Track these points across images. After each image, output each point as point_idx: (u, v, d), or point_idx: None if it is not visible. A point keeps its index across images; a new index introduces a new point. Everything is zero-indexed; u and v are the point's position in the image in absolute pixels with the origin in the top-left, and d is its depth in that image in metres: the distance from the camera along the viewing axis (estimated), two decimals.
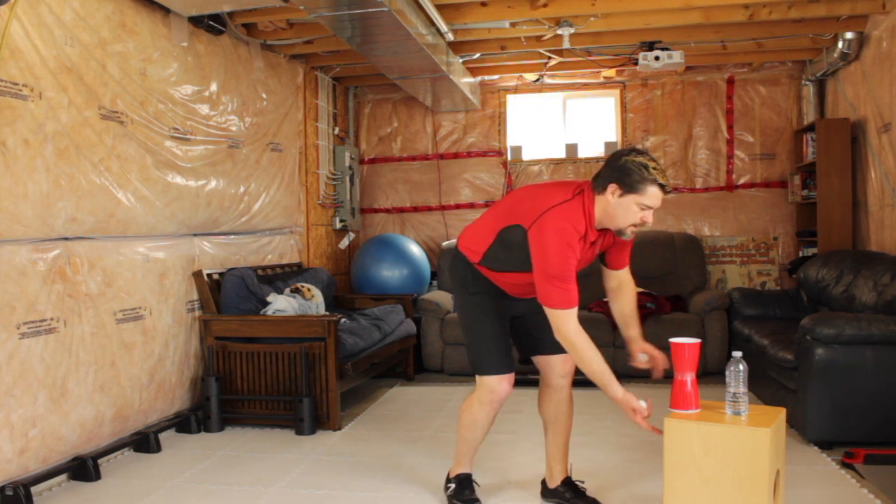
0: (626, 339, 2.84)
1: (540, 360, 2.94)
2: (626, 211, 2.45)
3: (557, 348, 2.74)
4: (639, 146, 6.42)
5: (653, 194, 2.42)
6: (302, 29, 4.82)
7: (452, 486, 2.95)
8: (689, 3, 4.38)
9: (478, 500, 2.93)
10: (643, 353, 2.77)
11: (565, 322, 2.49)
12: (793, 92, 6.17)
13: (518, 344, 2.97)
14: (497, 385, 2.78)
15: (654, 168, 2.42)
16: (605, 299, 5.60)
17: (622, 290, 2.86)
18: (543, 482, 3.03)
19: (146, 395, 3.81)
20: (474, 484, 2.97)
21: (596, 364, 2.52)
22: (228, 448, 3.76)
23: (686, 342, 2.40)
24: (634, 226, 2.49)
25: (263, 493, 3.09)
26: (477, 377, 2.81)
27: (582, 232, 2.48)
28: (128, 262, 3.72)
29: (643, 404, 2.51)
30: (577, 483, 2.98)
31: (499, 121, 6.65)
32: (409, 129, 6.80)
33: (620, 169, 2.44)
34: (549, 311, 2.51)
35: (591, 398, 4.65)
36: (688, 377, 2.45)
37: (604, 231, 2.58)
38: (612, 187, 2.44)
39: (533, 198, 2.58)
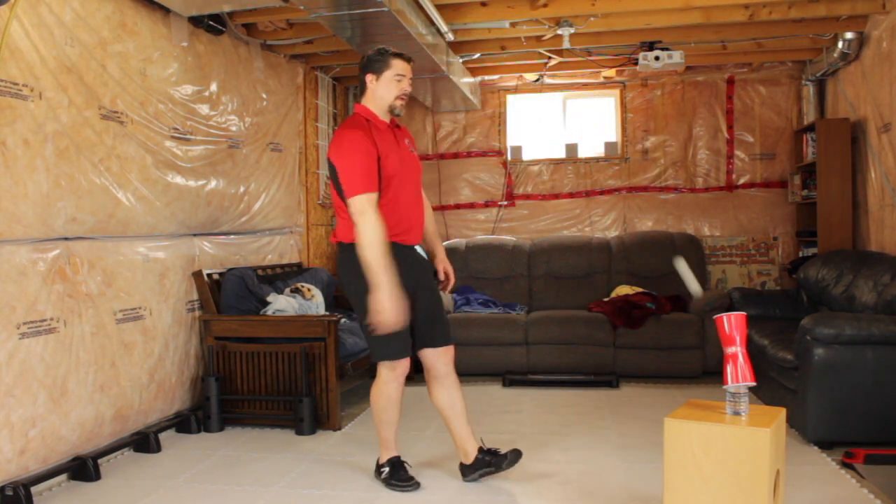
0: (431, 255, 3.24)
1: (426, 354, 3.11)
2: (387, 87, 2.94)
3: (441, 341, 3.08)
4: (639, 146, 6.43)
5: (398, 65, 2.93)
6: (302, 29, 4.82)
7: (386, 469, 3.14)
8: (689, 3, 4.38)
9: (413, 479, 3.11)
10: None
11: (366, 205, 2.77)
12: (793, 92, 6.17)
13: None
14: (398, 364, 3.02)
15: (388, 48, 2.97)
16: (605, 299, 5.66)
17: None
18: (461, 465, 3.18)
19: (146, 395, 3.81)
20: (406, 465, 3.16)
21: (374, 256, 2.74)
22: (228, 448, 3.76)
23: (727, 314, 2.42)
24: (400, 98, 2.97)
25: (263, 493, 3.09)
26: (379, 363, 3.03)
27: (363, 124, 2.90)
28: (128, 262, 3.72)
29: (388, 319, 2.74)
30: (489, 448, 3.15)
31: (499, 121, 6.66)
32: (409, 129, 6.74)
33: (366, 63, 2.96)
34: (351, 204, 2.79)
35: (590, 398, 4.66)
36: (737, 350, 2.40)
37: (399, 131, 3.06)
38: (368, 77, 2.95)
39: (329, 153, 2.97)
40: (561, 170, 6.57)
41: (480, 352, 5.33)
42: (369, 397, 3.15)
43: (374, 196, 2.81)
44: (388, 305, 2.74)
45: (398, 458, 3.17)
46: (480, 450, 3.14)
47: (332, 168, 2.90)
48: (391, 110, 2.99)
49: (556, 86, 6.52)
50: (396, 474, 3.12)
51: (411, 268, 3.00)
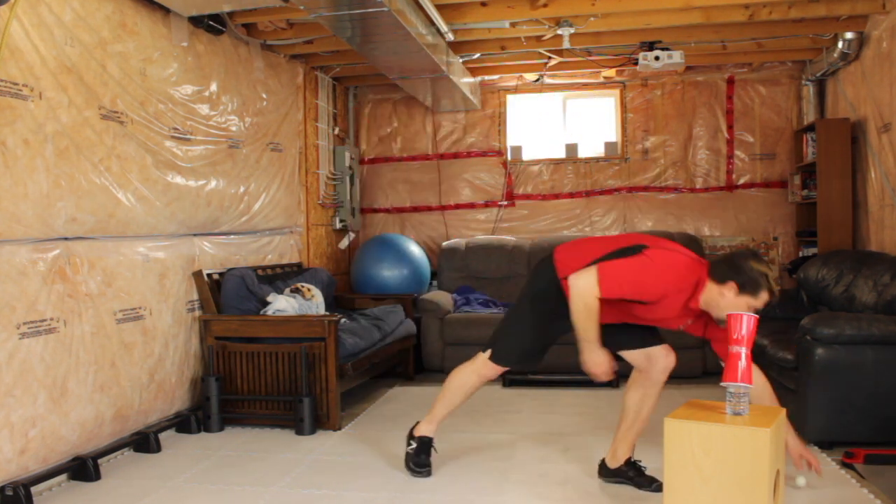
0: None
1: (639, 354, 3.09)
2: (736, 307, 2.60)
3: (655, 340, 3.03)
4: (639, 146, 6.43)
5: (763, 299, 2.62)
6: (302, 29, 4.82)
7: (414, 445, 3.20)
8: (690, 3, 4.38)
9: (429, 468, 3.19)
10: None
11: (586, 289, 2.70)
12: (793, 92, 6.17)
13: (608, 341, 2.98)
14: (493, 370, 3.06)
15: (772, 278, 2.64)
16: None
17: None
18: (602, 463, 3.17)
19: (146, 395, 3.81)
20: (433, 450, 3.23)
21: (585, 321, 2.78)
22: (228, 448, 3.76)
23: (744, 314, 2.44)
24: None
25: (263, 493, 3.09)
26: (485, 353, 3.06)
27: (683, 290, 2.70)
28: (128, 262, 3.72)
29: (606, 364, 2.84)
30: (638, 463, 3.10)
31: (499, 121, 6.66)
32: (409, 129, 6.80)
33: (744, 272, 2.61)
34: (593, 266, 2.69)
35: (590, 398, 4.66)
36: (742, 350, 2.41)
37: (701, 313, 2.77)
38: (731, 284, 2.62)
39: (664, 241, 2.86)
40: (561, 170, 6.57)
41: None
42: (453, 373, 3.17)
43: (597, 294, 2.69)
44: (593, 362, 2.89)
45: (431, 440, 3.23)
46: (627, 461, 3.11)
47: (637, 248, 2.75)
48: (716, 320, 2.71)
49: (556, 86, 6.52)
50: (418, 456, 3.20)
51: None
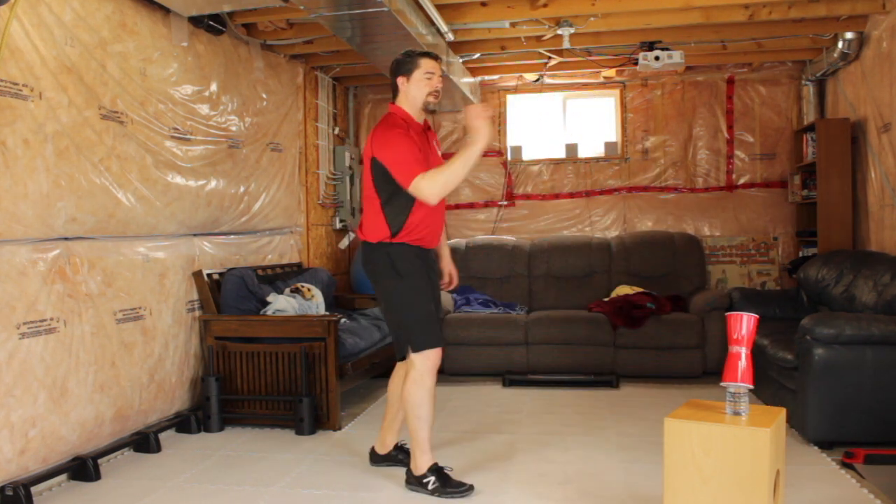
0: (437, 255, 3.32)
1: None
2: (419, 87, 3.02)
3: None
4: (639, 146, 6.43)
5: (426, 63, 3.01)
6: (302, 29, 4.82)
7: (431, 479, 3.02)
8: (689, 3, 4.38)
9: (465, 484, 3.02)
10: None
11: (427, 186, 2.85)
12: (793, 92, 6.17)
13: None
14: (436, 354, 3.03)
15: (414, 49, 3.09)
16: (605, 299, 5.66)
17: None
18: (372, 450, 3.37)
19: (146, 395, 3.81)
20: (448, 469, 3.10)
21: (458, 166, 2.86)
22: (228, 448, 3.77)
23: (740, 313, 2.42)
24: (432, 95, 3.03)
25: (263, 493, 3.09)
26: (414, 354, 3.00)
27: (404, 124, 2.99)
28: (128, 262, 3.72)
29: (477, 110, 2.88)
30: (405, 446, 3.26)
31: (499, 121, 6.66)
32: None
33: (396, 66, 3.06)
34: (414, 189, 2.86)
35: (590, 398, 4.66)
36: (742, 350, 2.40)
37: (428, 131, 3.14)
38: (400, 80, 3.04)
39: (367, 149, 3.06)
40: (561, 170, 6.57)
41: (480, 352, 5.33)
42: (405, 396, 3.01)
43: (424, 173, 2.87)
44: (482, 130, 2.84)
45: (436, 464, 3.05)
46: (396, 446, 3.34)
47: (375, 165, 2.97)
48: (425, 107, 3.06)
49: (556, 86, 6.52)
50: (447, 482, 3.01)
51: (431, 269, 3.16)
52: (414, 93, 3.03)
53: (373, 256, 3.07)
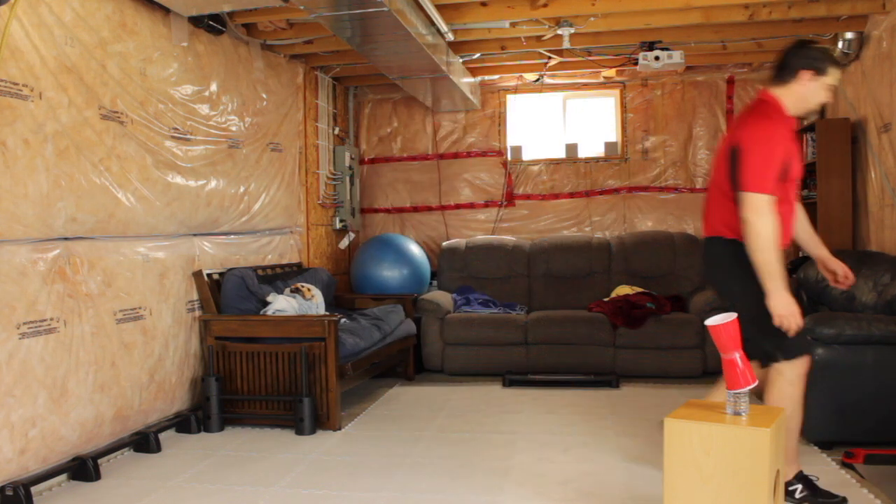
0: (815, 259, 3.07)
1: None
2: (817, 93, 2.74)
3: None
4: (639, 146, 6.43)
5: (836, 75, 2.74)
6: (302, 29, 4.82)
7: (799, 487, 2.81)
8: (690, 3, 4.37)
9: (835, 496, 2.80)
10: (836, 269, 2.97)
11: (762, 206, 2.61)
12: None
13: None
14: (804, 363, 2.77)
15: (831, 50, 2.65)
16: (605, 299, 5.65)
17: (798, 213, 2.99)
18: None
19: (146, 395, 3.81)
20: (815, 478, 2.86)
21: (769, 257, 2.62)
22: (228, 448, 3.76)
23: (722, 322, 2.40)
24: (818, 106, 2.84)
25: (263, 493, 3.09)
26: (782, 363, 2.75)
27: (784, 121, 2.72)
28: (128, 262, 3.72)
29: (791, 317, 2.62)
30: (809, 477, 2.88)
31: (499, 121, 6.65)
32: (409, 129, 6.80)
33: (809, 57, 2.72)
34: (745, 199, 2.63)
35: (590, 398, 4.66)
36: (735, 355, 2.40)
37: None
38: (806, 74, 2.72)
39: (731, 135, 2.81)
40: (561, 170, 6.57)
41: (480, 352, 5.33)
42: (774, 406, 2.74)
43: (772, 199, 2.63)
44: (791, 308, 2.62)
45: (801, 471, 2.85)
46: (798, 475, 2.87)
47: (735, 151, 2.70)
48: (805, 115, 2.85)
49: (556, 86, 6.52)
50: (819, 492, 2.80)
51: None
52: (809, 95, 2.73)
53: (720, 252, 2.82)
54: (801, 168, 2.82)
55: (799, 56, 2.74)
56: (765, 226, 2.61)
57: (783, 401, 2.73)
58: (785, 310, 2.62)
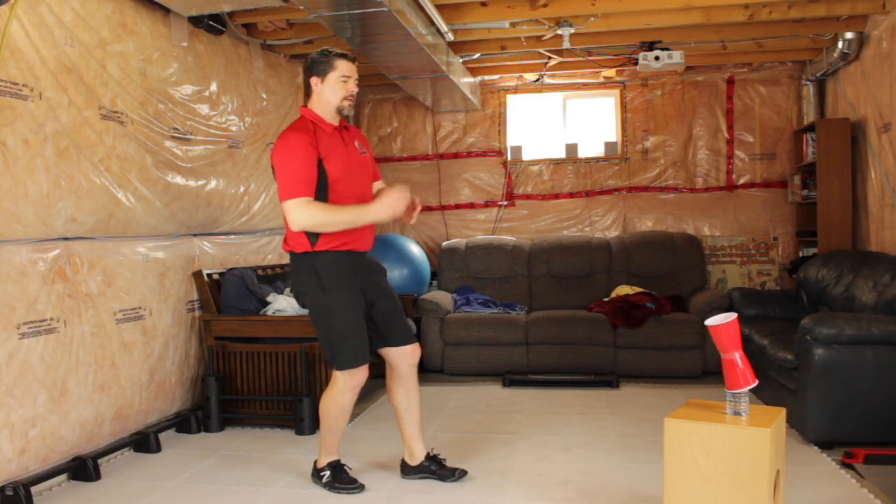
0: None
1: (389, 353, 3.11)
2: (333, 89, 2.90)
3: (405, 340, 3.09)
4: (639, 146, 6.43)
5: (343, 66, 2.89)
6: (302, 29, 4.82)
7: (327, 473, 3.11)
8: (690, 3, 4.38)
9: (356, 481, 3.09)
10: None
11: (297, 211, 2.79)
12: (793, 92, 6.17)
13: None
14: (357, 373, 2.99)
15: (331, 49, 2.92)
16: (605, 299, 5.65)
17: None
18: (403, 462, 3.22)
19: (146, 395, 3.81)
20: (346, 467, 3.15)
21: (342, 215, 2.83)
22: (228, 448, 3.77)
23: (722, 322, 2.39)
24: (347, 100, 2.92)
25: (263, 493, 3.09)
26: (336, 371, 2.99)
27: (309, 128, 2.88)
28: (128, 262, 3.72)
29: (396, 195, 2.85)
30: (437, 456, 3.19)
31: (499, 121, 6.65)
32: (409, 129, 6.80)
33: (310, 65, 2.93)
34: (285, 209, 2.82)
35: (590, 398, 4.66)
36: (735, 355, 2.40)
37: (347, 133, 3.00)
38: (313, 81, 2.92)
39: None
40: (561, 170, 6.57)
41: (480, 352, 5.33)
42: (320, 403, 3.12)
43: (308, 199, 2.81)
44: (387, 205, 2.84)
45: (338, 461, 3.15)
46: (428, 455, 3.18)
47: (273, 170, 2.92)
48: (339, 112, 2.95)
49: (556, 86, 6.52)
50: (339, 477, 3.10)
51: (365, 274, 3.03)
52: (328, 95, 2.91)
53: (294, 266, 2.98)
54: (346, 166, 2.92)
55: (305, 68, 2.97)
56: (309, 216, 2.79)
57: (332, 406, 3.05)
58: (386, 209, 2.85)
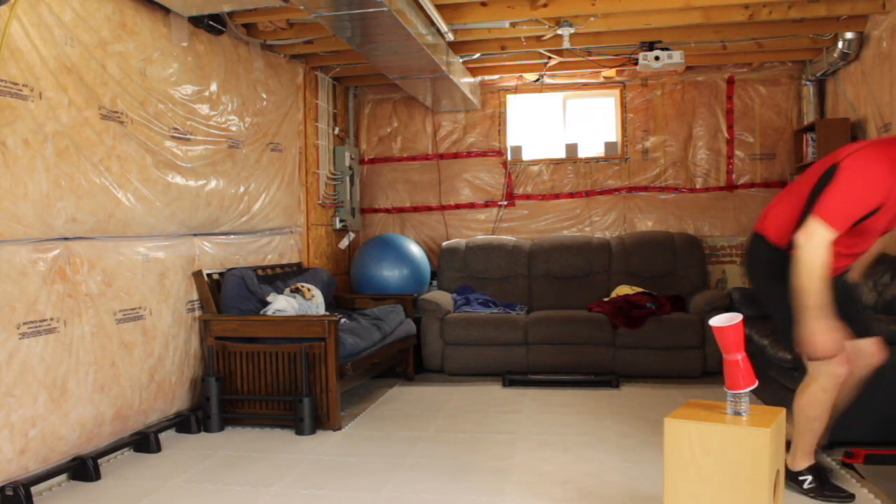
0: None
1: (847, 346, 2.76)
2: None
3: (865, 332, 2.78)
4: (639, 146, 6.43)
5: None
6: (302, 29, 4.82)
7: (809, 478, 2.84)
8: (689, 3, 4.37)
9: (844, 491, 2.82)
10: None
11: (819, 235, 2.48)
12: (793, 92, 6.17)
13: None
14: (839, 367, 2.68)
15: None
16: (605, 299, 5.65)
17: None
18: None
19: (146, 395, 3.81)
20: (829, 471, 2.91)
21: (814, 283, 2.49)
22: (228, 448, 3.76)
23: (729, 324, 2.38)
24: None
25: (263, 493, 3.09)
26: (814, 365, 2.71)
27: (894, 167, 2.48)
28: (128, 262, 3.72)
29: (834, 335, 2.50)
30: (823, 468, 2.91)
31: (499, 121, 6.65)
32: (409, 129, 6.80)
33: None
34: (810, 221, 2.50)
35: (590, 398, 4.66)
36: (738, 357, 2.40)
37: None
38: None
39: (847, 146, 2.61)
40: (561, 170, 6.57)
41: (480, 352, 5.33)
42: (798, 405, 2.82)
43: (833, 236, 2.50)
44: (822, 336, 2.52)
45: (818, 465, 2.89)
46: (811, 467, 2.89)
47: (831, 170, 2.55)
48: None
49: (556, 86, 6.52)
50: (826, 485, 2.83)
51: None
52: None
53: (762, 257, 2.81)
54: (893, 219, 2.60)
55: None
56: (814, 254, 2.49)
57: (811, 399, 2.79)
58: (815, 337, 2.53)
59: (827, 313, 2.52)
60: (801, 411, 2.82)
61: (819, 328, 2.52)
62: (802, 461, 2.88)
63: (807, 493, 2.84)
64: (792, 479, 2.88)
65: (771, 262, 2.77)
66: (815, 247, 2.49)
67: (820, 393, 2.73)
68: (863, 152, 2.53)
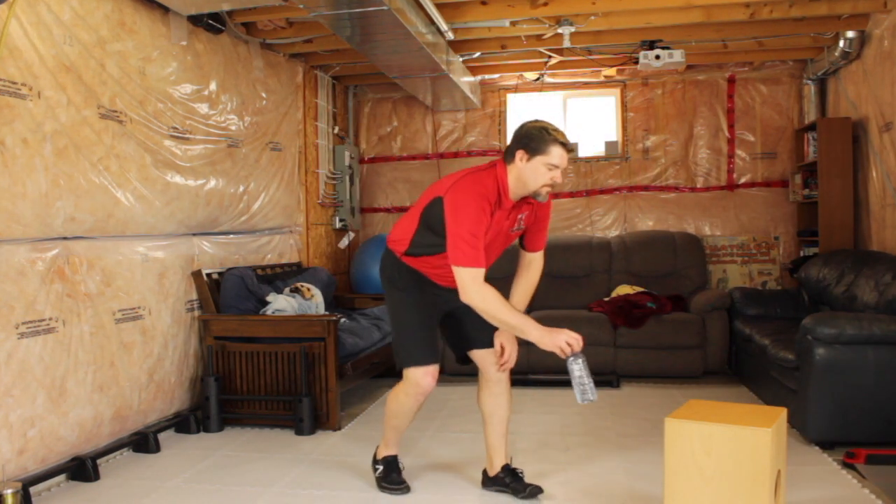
0: None
1: (477, 356, 3.01)
2: (536, 173, 2.62)
3: (492, 343, 2.93)
4: (640, 145, 6.42)
5: (557, 153, 2.60)
6: (301, 28, 4.81)
7: (380, 468, 3.11)
8: (690, 1, 4.36)
9: (405, 483, 3.06)
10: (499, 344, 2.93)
11: (470, 282, 2.67)
12: (794, 91, 6.15)
13: (453, 344, 3.08)
14: (421, 378, 2.86)
15: (554, 130, 2.63)
16: (605, 299, 5.64)
17: (531, 267, 3.06)
18: (484, 472, 3.12)
19: (145, 395, 3.80)
20: (400, 465, 3.12)
21: (507, 316, 2.68)
22: (228, 448, 3.76)
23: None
24: (546, 186, 2.66)
25: (263, 493, 3.08)
26: (403, 370, 2.90)
27: (493, 199, 2.65)
28: (127, 262, 3.71)
29: (569, 335, 2.62)
30: (515, 470, 3.06)
31: (499, 120, 6.64)
32: (409, 129, 6.79)
33: (524, 136, 2.64)
34: (455, 271, 2.66)
35: None
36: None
37: (521, 204, 2.74)
38: (519, 154, 2.63)
39: (450, 175, 2.78)
40: None
41: None
42: (387, 399, 3.06)
43: (481, 273, 2.69)
44: (554, 340, 2.62)
45: (396, 457, 3.12)
46: (504, 467, 3.04)
47: (438, 205, 2.68)
48: (533, 196, 2.68)
49: (556, 85, 6.50)
50: (389, 476, 3.08)
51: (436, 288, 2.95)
52: (527, 178, 2.62)
53: (384, 263, 3.00)
54: (493, 236, 2.77)
55: (518, 134, 2.67)
56: (482, 296, 2.69)
57: (397, 404, 2.98)
58: (552, 341, 2.63)
59: (532, 323, 2.66)
60: (388, 408, 3.04)
61: (540, 336, 2.63)
62: (383, 450, 3.13)
63: (377, 480, 3.11)
64: (371, 463, 3.18)
65: (385, 264, 2.98)
66: (476, 291, 2.67)
67: (404, 396, 2.93)
68: (459, 188, 2.64)
